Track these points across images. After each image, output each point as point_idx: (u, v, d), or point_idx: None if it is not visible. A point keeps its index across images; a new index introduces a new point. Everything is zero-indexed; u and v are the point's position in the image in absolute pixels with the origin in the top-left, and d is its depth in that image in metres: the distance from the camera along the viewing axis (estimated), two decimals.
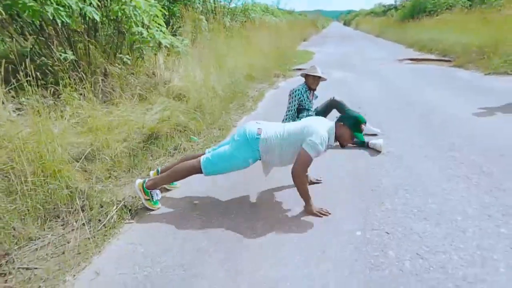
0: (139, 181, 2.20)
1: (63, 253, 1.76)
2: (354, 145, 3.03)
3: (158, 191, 2.26)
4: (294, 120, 3.38)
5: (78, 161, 2.47)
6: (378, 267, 1.53)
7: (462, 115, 3.73)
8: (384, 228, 1.82)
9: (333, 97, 3.44)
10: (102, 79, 3.74)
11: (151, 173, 2.45)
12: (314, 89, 3.28)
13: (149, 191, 2.17)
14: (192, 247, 1.80)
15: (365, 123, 2.04)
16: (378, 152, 2.87)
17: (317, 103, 3.44)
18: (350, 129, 1.99)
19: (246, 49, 7.19)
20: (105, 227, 1.99)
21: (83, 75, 3.15)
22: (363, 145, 3.00)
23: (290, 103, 3.27)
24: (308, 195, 2.02)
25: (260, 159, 2.12)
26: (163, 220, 2.09)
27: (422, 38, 11.33)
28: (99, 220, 2.05)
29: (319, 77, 3.20)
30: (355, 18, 43.69)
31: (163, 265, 1.68)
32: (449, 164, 2.54)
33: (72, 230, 1.94)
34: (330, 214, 2.00)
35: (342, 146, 2.10)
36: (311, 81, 3.23)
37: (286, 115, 3.28)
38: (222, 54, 5.86)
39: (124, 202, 2.21)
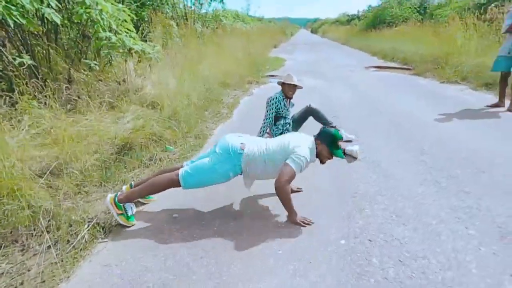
0: (110, 195, 2.07)
1: (22, 283, 1.59)
2: None
3: (132, 205, 2.13)
4: (271, 128, 3.40)
5: (42, 177, 2.27)
6: (364, 276, 1.56)
7: (427, 121, 3.97)
8: (366, 235, 1.86)
9: (309, 105, 3.51)
10: (66, 86, 3.50)
11: (124, 187, 2.31)
12: (291, 97, 3.33)
13: (121, 205, 2.04)
14: (175, 264, 1.71)
15: (342, 139, 2.10)
16: (354, 158, 2.96)
17: (293, 111, 3.49)
18: (328, 147, 2.05)
19: (219, 55, 7.15)
20: (75, 249, 1.84)
21: (43, 81, 2.91)
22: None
23: (267, 111, 3.29)
24: (292, 205, 2.02)
25: (241, 174, 2.09)
26: (140, 236, 1.98)
27: (384, 47, 12.01)
28: (68, 241, 1.89)
29: (295, 85, 3.26)
30: (322, 26, 45.35)
31: (143, 286, 1.57)
32: (420, 169, 2.67)
33: (34, 255, 1.76)
34: (313, 223, 2.01)
35: (322, 162, 2.15)
36: (287, 89, 3.28)
37: (264, 123, 3.29)
38: (195, 60, 5.76)
39: (96, 220, 2.06)
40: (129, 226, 2.06)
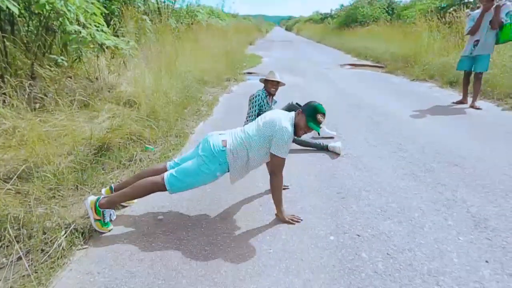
0: (91, 198, 1.96)
1: None
2: (315, 149, 3.14)
3: (112, 211, 2.02)
4: None
5: (7, 182, 2.09)
6: (355, 270, 1.59)
7: (401, 117, 4.14)
8: (354, 230, 1.90)
9: (292, 102, 3.53)
10: (29, 83, 3.24)
11: (103, 190, 2.19)
12: (273, 94, 3.32)
13: (101, 210, 1.93)
14: (163, 268, 1.65)
15: (324, 114, 1.98)
16: (338, 154, 3.01)
17: (276, 107, 3.48)
18: (306, 117, 1.95)
19: (196, 52, 6.99)
20: (51, 258, 1.70)
21: (0, 77, 2.67)
22: (323, 148, 3.12)
23: (250, 109, 3.25)
24: (281, 201, 2.02)
25: (228, 171, 2.03)
26: (124, 240, 1.88)
27: (358, 45, 12.38)
28: (42, 250, 1.75)
29: (278, 82, 3.25)
30: (296, 24, 45.88)
31: None
32: (400, 163, 2.78)
33: (0, 269, 1.61)
34: (301, 220, 2.02)
35: (297, 135, 2.01)
36: (270, 86, 3.26)
37: (247, 120, 3.25)
38: (172, 57, 5.59)
39: (74, 225, 1.93)
40: (104, 233, 1.95)
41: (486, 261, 1.64)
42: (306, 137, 3.23)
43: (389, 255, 1.68)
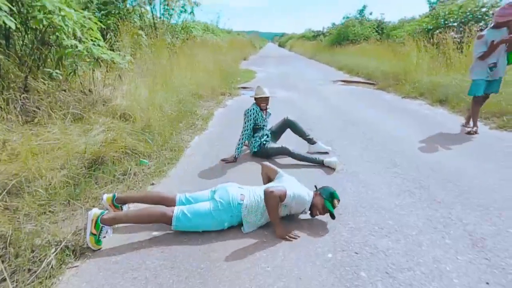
0: (95, 211, 1.92)
1: None
2: (310, 163, 3.15)
3: (110, 229, 1.97)
4: (250, 140, 3.38)
5: None
6: None
7: (395, 133, 4.20)
8: (352, 248, 1.88)
9: (287, 117, 3.57)
10: (23, 96, 3.20)
11: (105, 196, 2.16)
12: (265, 109, 3.36)
13: (101, 226, 1.89)
14: (157, 287, 1.59)
15: (339, 200, 2.16)
16: (333, 169, 3.02)
17: (271, 121, 3.53)
18: (324, 199, 2.11)
19: (191, 67, 7.05)
20: (38, 278, 1.63)
21: None
22: (319, 163, 3.14)
23: (245, 123, 3.28)
24: (279, 218, 2.02)
25: (236, 225, 2.09)
26: (117, 258, 1.83)
27: (349, 63, 12.68)
28: (29, 270, 1.67)
29: (266, 98, 3.31)
30: (289, 40, 46.90)
31: None
32: (395, 180, 2.79)
33: None
34: (299, 237, 2.00)
35: (312, 214, 2.16)
36: (260, 102, 3.33)
37: (242, 134, 3.26)
38: (167, 71, 5.62)
39: (65, 242, 1.86)
40: (94, 249, 1.89)
41: (487, 283, 1.62)
42: (301, 151, 3.26)
43: (388, 274, 1.66)
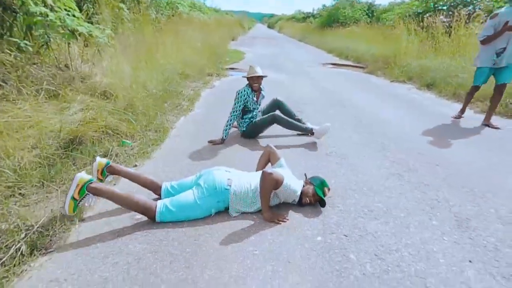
0: (83, 176, 1.82)
1: None
2: (299, 132, 3.29)
3: (94, 199, 1.88)
4: (238, 121, 3.28)
5: None
6: (343, 273, 1.53)
7: (383, 117, 4.18)
8: (341, 230, 1.85)
9: (276, 98, 3.47)
10: None
11: (98, 159, 2.06)
12: (257, 90, 3.24)
13: (86, 193, 1.80)
14: (141, 273, 1.52)
15: (329, 189, 2.14)
16: (316, 140, 3.19)
17: (264, 103, 3.43)
18: (315, 186, 2.08)
19: (177, 45, 6.74)
20: (4, 266, 1.51)
21: None
22: (308, 131, 3.24)
23: (235, 104, 3.16)
24: (269, 200, 1.96)
25: (222, 211, 2.01)
26: (96, 242, 1.73)
27: (339, 45, 12.52)
28: None
29: (258, 77, 3.19)
30: (278, 21, 45.90)
31: None
32: (384, 163, 2.78)
33: None
34: (287, 220, 1.95)
35: (301, 203, 2.08)
36: (251, 82, 3.21)
37: (231, 115, 3.15)
38: (151, 48, 5.34)
39: (37, 226, 1.74)
40: (69, 216, 1.83)
41: (470, 261, 1.64)
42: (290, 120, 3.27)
43: (377, 256, 1.64)
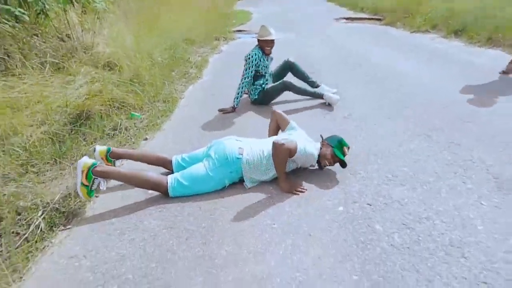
0: (86, 160, 1.75)
1: None
2: (310, 97, 3.10)
3: (103, 182, 1.82)
4: (250, 88, 3.09)
5: None
6: (369, 244, 1.43)
7: (403, 72, 3.84)
8: (364, 199, 1.73)
9: (288, 59, 3.23)
10: None
11: (97, 148, 1.98)
12: (269, 53, 3.01)
13: (93, 177, 1.74)
14: (157, 249, 1.49)
15: (348, 147, 1.99)
16: (331, 106, 2.98)
17: (273, 65, 3.20)
18: (333, 147, 1.93)
19: (182, 8, 6.35)
20: (27, 241, 1.52)
21: None
22: (320, 97, 3.05)
23: (246, 70, 2.95)
24: (285, 170, 1.85)
25: (237, 181, 1.91)
26: (112, 219, 1.70)
27: None
28: (17, 234, 1.56)
29: (272, 41, 2.94)
30: None
31: (121, 279, 1.34)
32: (407, 124, 2.56)
33: None
34: (306, 190, 1.84)
35: (320, 166, 1.98)
36: (264, 45, 2.97)
37: (242, 82, 2.96)
38: (154, 13, 5.03)
39: (54, 203, 1.72)
40: (86, 201, 1.79)
41: None
42: (302, 86, 3.07)
43: (405, 225, 1.53)
